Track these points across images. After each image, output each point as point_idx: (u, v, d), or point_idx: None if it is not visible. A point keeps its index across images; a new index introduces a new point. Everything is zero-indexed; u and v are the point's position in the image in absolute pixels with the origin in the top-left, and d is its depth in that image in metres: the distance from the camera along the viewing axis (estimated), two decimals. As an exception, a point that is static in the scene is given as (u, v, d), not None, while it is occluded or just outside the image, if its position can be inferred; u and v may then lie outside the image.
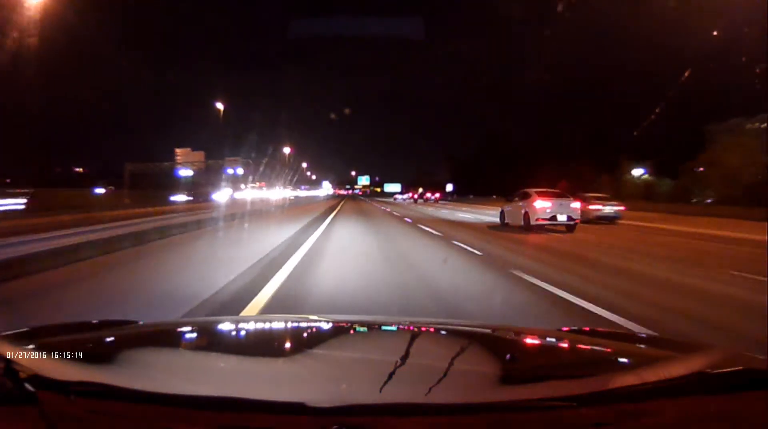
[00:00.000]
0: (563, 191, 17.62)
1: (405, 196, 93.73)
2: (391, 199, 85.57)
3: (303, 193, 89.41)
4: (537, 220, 15.68)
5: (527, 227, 15.92)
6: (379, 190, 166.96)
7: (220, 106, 45.84)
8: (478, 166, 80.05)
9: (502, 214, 18.52)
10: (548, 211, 15.69)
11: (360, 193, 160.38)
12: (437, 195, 75.65)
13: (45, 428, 0.96)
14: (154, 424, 0.97)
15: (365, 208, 39.84)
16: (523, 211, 16.38)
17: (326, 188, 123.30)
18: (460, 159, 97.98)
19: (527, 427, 0.97)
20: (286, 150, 70.44)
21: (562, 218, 15.70)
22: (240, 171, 67.59)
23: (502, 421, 0.96)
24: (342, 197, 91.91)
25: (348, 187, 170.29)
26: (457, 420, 0.96)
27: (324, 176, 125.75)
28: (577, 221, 15.86)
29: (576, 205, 16.09)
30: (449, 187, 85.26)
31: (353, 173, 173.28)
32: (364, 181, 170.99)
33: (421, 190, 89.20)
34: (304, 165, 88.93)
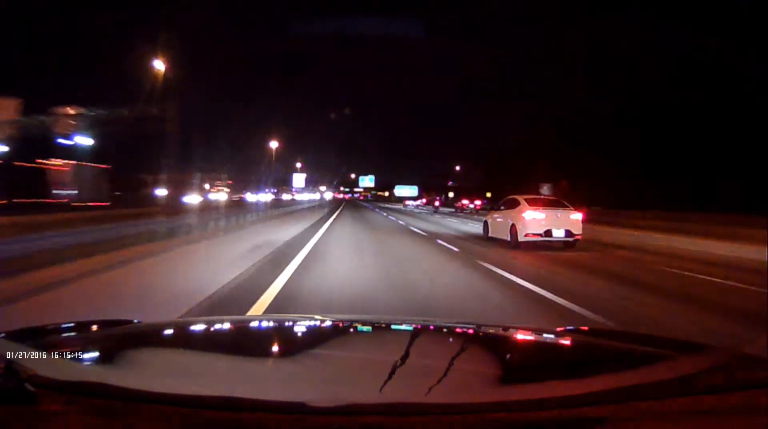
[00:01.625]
0: (559, 199, 14.27)
1: (417, 202, 72.32)
2: (401, 206, 68.27)
3: (282, 197, 74.49)
4: (527, 235, 12.33)
5: (514, 244, 12.59)
6: (385, 193, 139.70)
7: (159, 64, 25.56)
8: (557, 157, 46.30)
9: (485, 226, 15.16)
10: (542, 223, 12.34)
11: (360, 198, 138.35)
12: (478, 202, 51.08)
13: (45, 428, 0.95)
14: (153, 424, 0.95)
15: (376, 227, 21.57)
16: (509, 224, 13.05)
17: (299, 182, 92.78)
18: (499, 153, 66.18)
19: (527, 427, 0.94)
20: (274, 144, 53.10)
21: (558, 233, 12.33)
22: (86, 141, 33.68)
23: (502, 421, 0.94)
24: (339, 203, 71.09)
25: (346, 190, 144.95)
26: (457, 420, 0.94)
27: (322, 179, 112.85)
28: (577, 237, 12.51)
29: (577, 216, 12.75)
30: (546, 190, 40.78)
31: (353, 176, 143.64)
32: (367, 181, 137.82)
33: (451, 194, 65.86)
34: (299, 165, 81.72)
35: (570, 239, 12.47)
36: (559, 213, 12.66)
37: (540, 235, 12.27)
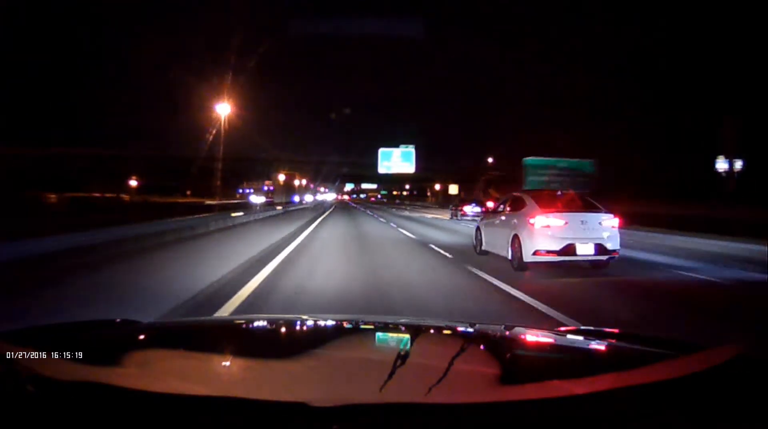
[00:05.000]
0: (585, 196, 9.92)
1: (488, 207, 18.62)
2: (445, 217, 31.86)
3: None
4: (536, 252, 8.01)
5: (518, 265, 8.30)
6: (450, 190, 65.37)
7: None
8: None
9: (477, 236, 10.80)
10: (560, 234, 8.02)
11: (372, 200, 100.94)
12: None
13: (45, 428, 0.93)
14: (154, 425, 0.93)
15: None
16: (510, 234, 8.74)
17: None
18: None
19: (527, 427, 0.94)
20: (223, 109, 30.54)
21: (585, 250, 8.00)
22: None
23: (502, 421, 0.94)
24: (317, 215, 31.26)
25: (352, 187, 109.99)
26: (457, 420, 0.94)
27: (313, 172, 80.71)
28: (614, 255, 8.19)
29: (612, 222, 8.41)
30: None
31: (354, 185, 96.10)
32: (396, 161, 59.85)
33: None
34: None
35: (602, 258, 8.15)
36: (586, 217, 8.34)
37: (556, 252, 7.96)
